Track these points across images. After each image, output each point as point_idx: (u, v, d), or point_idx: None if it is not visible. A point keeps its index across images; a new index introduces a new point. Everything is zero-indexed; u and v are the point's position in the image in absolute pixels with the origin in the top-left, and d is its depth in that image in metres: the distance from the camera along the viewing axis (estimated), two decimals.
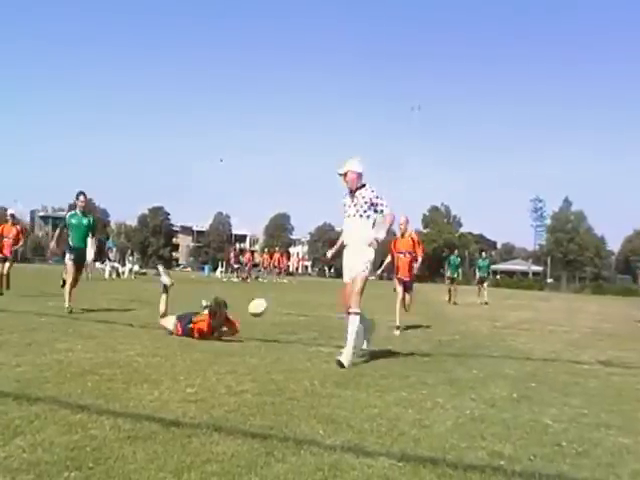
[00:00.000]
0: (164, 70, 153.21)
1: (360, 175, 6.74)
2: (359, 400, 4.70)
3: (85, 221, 10.99)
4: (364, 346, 7.11)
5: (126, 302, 13.27)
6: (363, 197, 6.62)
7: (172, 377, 5.12)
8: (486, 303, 21.76)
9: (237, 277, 35.76)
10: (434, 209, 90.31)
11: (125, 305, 12.40)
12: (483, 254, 26.88)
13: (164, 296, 8.41)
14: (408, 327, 11.00)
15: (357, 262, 6.60)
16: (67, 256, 10.83)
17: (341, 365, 6.15)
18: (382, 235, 6.71)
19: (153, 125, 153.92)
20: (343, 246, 6.88)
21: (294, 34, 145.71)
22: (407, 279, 11.00)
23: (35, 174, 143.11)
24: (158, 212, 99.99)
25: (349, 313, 6.54)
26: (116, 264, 30.35)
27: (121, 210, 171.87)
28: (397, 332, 10.01)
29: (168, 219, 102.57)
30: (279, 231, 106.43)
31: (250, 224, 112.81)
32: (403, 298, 10.94)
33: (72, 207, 11.52)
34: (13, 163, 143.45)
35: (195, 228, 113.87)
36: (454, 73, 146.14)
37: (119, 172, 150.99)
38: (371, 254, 6.61)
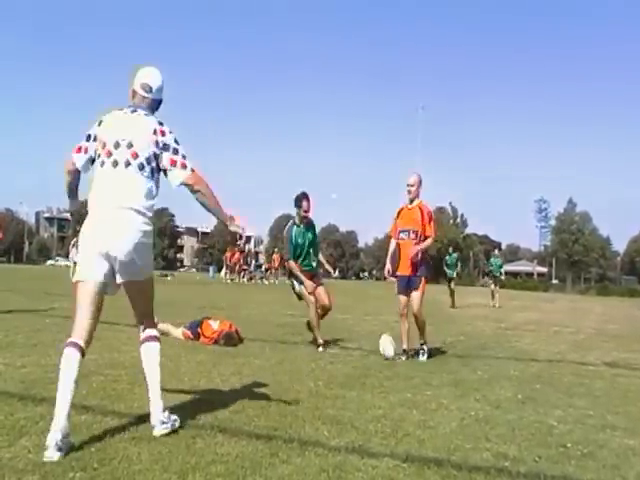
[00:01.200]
0: (165, 65, 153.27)
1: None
2: (364, 401, 4.70)
3: None
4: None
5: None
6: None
7: (177, 378, 5.13)
8: (497, 307, 20.66)
9: (243, 277, 35.76)
10: (440, 210, 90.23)
11: (129, 306, 12.39)
12: (496, 251, 25.18)
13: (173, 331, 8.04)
14: (411, 325, 10.99)
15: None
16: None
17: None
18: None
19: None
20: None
21: (309, 37, 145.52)
22: (410, 274, 7.41)
23: (40, 176, 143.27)
24: (163, 214, 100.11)
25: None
26: None
27: None
28: (403, 358, 7.23)
29: (173, 220, 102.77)
30: (284, 232, 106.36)
31: (255, 225, 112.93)
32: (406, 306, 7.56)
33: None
34: (18, 165, 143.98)
35: (200, 229, 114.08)
36: (458, 72, 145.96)
37: None
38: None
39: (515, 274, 77.52)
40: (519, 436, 3.94)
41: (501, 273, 22.96)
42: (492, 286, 22.32)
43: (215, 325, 7.69)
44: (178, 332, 7.89)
